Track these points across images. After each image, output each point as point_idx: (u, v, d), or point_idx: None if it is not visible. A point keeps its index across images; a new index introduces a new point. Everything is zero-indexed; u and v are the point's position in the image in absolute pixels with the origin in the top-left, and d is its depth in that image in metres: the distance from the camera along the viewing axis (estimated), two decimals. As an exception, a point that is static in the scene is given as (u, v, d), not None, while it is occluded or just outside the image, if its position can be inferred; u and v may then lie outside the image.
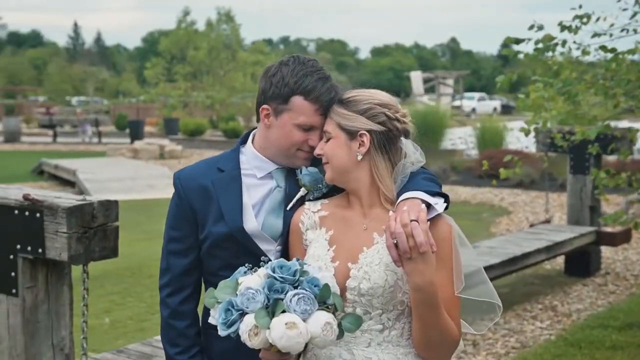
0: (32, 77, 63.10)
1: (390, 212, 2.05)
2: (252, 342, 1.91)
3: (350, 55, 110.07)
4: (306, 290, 1.95)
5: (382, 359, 2.16)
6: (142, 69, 39.02)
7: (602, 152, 7.84)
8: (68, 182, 16.58)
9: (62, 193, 3.90)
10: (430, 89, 40.99)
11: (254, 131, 2.47)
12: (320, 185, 2.34)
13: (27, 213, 3.56)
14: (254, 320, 1.90)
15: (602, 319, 6.59)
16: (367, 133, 2.20)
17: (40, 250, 3.54)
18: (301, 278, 1.97)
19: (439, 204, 2.15)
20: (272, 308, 1.92)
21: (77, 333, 4.93)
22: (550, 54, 5.86)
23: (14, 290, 3.69)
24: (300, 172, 2.35)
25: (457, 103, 43.18)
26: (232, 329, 1.93)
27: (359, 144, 2.21)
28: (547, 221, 8.99)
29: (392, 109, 2.24)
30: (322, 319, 1.93)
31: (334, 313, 1.98)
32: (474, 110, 46.35)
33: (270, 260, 2.06)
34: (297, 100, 2.29)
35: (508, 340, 6.31)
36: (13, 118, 29.48)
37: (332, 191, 2.35)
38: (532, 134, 6.10)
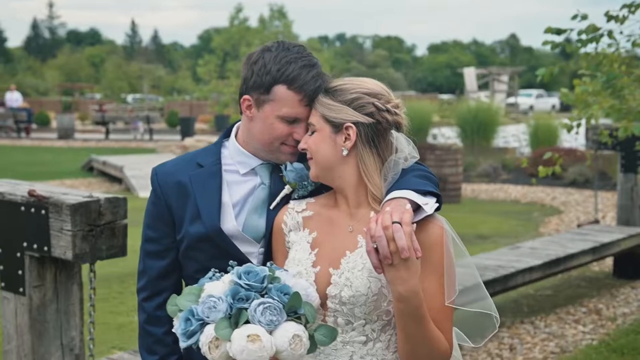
0: (90, 74, 64.17)
1: (372, 213, 1.85)
2: (213, 356, 1.74)
3: (406, 52, 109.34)
4: (273, 299, 1.76)
5: None
6: (197, 66, 39.30)
7: (653, 149, 7.46)
8: (116, 179, 16.68)
9: (70, 190, 3.80)
10: (484, 86, 40.30)
11: (237, 124, 2.29)
12: (306, 183, 2.15)
13: (32, 210, 3.47)
14: (214, 331, 1.72)
15: (649, 325, 6.26)
16: (353, 125, 2.00)
17: (46, 249, 3.44)
18: (270, 285, 1.79)
19: (429, 205, 1.94)
20: (235, 318, 1.74)
21: (100, 332, 4.85)
22: (594, 45, 5.54)
23: (21, 289, 3.60)
24: (285, 168, 2.17)
25: (512, 100, 42.40)
26: (192, 340, 1.76)
27: (345, 138, 2.01)
28: (596, 221, 8.62)
29: (382, 98, 2.03)
30: (290, 330, 1.75)
31: (305, 324, 1.79)
32: (531, 107, 45.38)
33: (248, 263, 1.87)
34: (280, 90, 2.10)
35: (547, 344, 6.02)
36: (67, 115, 29.89)
37: (322, 189, 2.16)
38: (583, 130, 5.79)
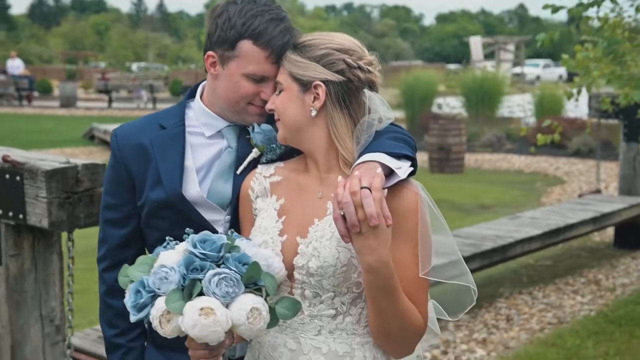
0: (94, 43, 63.74)
1: (340, 178, 1.72)
2: (164, 330, 1.62)
3: (414, 22, 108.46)
4: (230, 270, 1.64)
5: (333, 349, 1.84)
6: (202, 35, 38.93)
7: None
8: (117, 147, 16.51)
9: (48, 155, 3.67)
10: (490, 55, 39.82)
11: (203, 83, 2.15)
12: (274, 146, 2.02)
13: (7, 176, 3.35)
14: (165, 304, 1.60)
15: (648, 295, 6.16)
16: (322, 84, 1.86)
17: (21, 216, 3.33)
18: (227, 255, 1.66)
19: (402, 169, 1.80)
20: (188, 290, 1.62)
21: (85, 303, 4.75)
22: (596, 9, 5.36)
23: (-4, 258, 3.50)
24: (252, 130, 2.04)
25: (518, 70, 41.93)
26: (143, 314, 1.64)
27: (314, 97, 1.88)
28: (598, 191, 8.48)
29: (353, 55, 1.89)
30: (248, 303, 1.63)
31: (265, 297, 1.67)
32: (538, 77, 44.87)
33: (205, 231, 1.73)
34: (245, 46, 1.96)
35: (545, 315, 5.93)
36: (70, 83, 29.64)
37: (294, 153, 2.02)
38: (585, 99, 5.63)
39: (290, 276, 1.85)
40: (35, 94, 29.30)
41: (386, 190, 1.73)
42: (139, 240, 2.12)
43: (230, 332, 1.65)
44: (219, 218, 2.04)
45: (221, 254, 1.66)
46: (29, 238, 3.46)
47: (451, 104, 20.75)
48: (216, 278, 1.61)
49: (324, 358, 1.84)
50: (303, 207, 1.89)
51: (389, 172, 1.79)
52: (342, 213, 1.67)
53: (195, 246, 1.65)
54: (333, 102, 1.87)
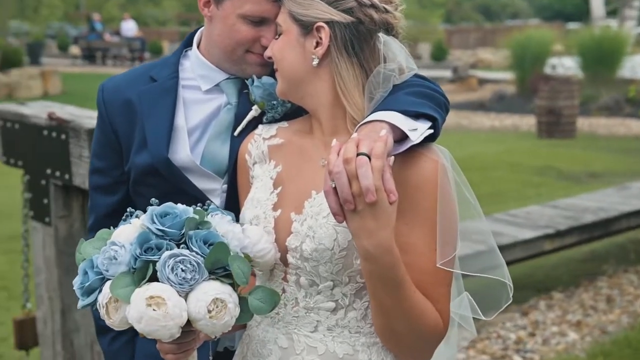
0: (210, 4, 64.05)
1: (334, 142, 1.38)
2: (112, 321, 1.34)
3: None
4: (191, 251, 1.34)
5: (332, 350, 1.51)
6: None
7: None
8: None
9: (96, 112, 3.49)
10: (613, 12, 37.67)
11: (201, 29, 1.84)
12: (275, 102, 1.70)
13: (54, 134, 3.20)
14: (109, 289, 1.32)
15: None
16: (325, 25, 1.51)
17: (67, 177, 3.17)
18: (190, 232, 1.36)
19: (417, 131, 1.44)
20: (139, 274, 1.33)
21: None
22: None
23: (47, 219, 3.37)
24: (251, 84, 1.72)
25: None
26: (90, 300, 1.36)
27: (316, 42, 1.53)
28: None
29: None
30: (209, 293, 1.32)
31: (234, 285, 1.35)
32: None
33: (169, 202, 1.42)
34: None
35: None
36: (178, 43, 29.94)
37: (302, 111, 1.69)
38: None
39: (284, 260, 1.53)
40: (147, 55, 29.82)
41: (392, 158, 1.38)
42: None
43: None
44: (214, 187, 1.74)
45: (183, 231, 1.36)
46: (77, 199, 3.32)
47: (566, 65, 19.67)
48: (172, 261, 1.31)
49: None
50: (302, 176, 1.56)
51: (403, 136, 1.43)
52: (333, 185, 1.34)
53: (152, 220, 1.36)
54: (339, 48, 1.51)
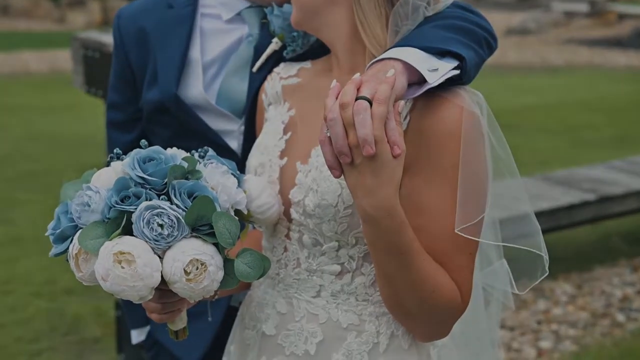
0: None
1: (333, 83, 1.18)
2: (81, 275, 1.20)
3: None
4: (172, 203, 1.17)
5: (335, 318, 1.34)
6: None
7: None
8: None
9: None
10: None
11: None
12: (296, 34, 1.50)
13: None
14: (77, 239, 1.18)
15: None
16: None
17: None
18: (174, 182, 1.19)
19: (438, 71, 1.20)
20: (112, 225, 1.18)
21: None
22: None
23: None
24: (271, 13, 1.52)
25: None
26: (61, 248, 1.22)
27: None
28: None
29: None
30: (188, 253, 1.15)
31: (218, 245, 1.18)
32: None
33: (156, 146, 1.25)
34: None
35: None
36: None
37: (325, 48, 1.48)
38: None
39: (287, 214, 1.36)
40: None
41: (402, 103, 1.16)
42: None
43: None
44: (231, 128, 1.57)
45: (166, 180, 1.19)
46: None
47: None
48: (148, 213, 1.15)
49: (320, 330, 1.34)
50: (314, 121, 1.36)
51: (422, 78, 1.20)
52: (328, 134, 1.14)
53: (134, 166, 1.20)
54: None
